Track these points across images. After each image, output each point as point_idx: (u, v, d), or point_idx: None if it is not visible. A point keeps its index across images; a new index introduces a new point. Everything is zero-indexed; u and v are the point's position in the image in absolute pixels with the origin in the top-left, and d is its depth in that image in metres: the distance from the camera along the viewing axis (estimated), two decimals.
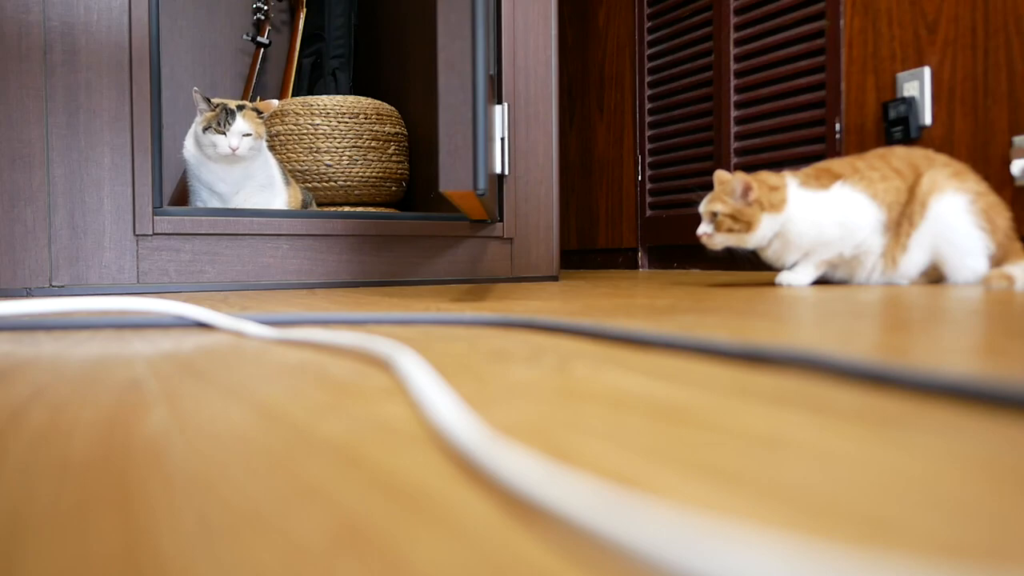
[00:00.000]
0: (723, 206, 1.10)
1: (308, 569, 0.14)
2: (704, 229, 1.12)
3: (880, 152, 1.15)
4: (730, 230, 1.10)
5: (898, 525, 0.15)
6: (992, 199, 1.07)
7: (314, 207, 1.72)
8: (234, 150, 1.44)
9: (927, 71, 1.53)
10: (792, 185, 1.11)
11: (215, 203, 1.50)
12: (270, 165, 1.55)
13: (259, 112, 1.50)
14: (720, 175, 1.15)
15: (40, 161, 1.16)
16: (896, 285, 1.10)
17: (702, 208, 1.13)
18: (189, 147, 1.49)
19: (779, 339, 0.47)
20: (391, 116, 1.94)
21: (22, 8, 1.15)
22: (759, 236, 1.10)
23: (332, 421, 0.26)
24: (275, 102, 1.56)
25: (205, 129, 1.45)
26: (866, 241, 1.10)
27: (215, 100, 1.49)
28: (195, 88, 1.51)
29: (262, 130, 1.50)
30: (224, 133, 1.44)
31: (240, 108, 1.47)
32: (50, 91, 1.17)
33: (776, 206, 1.09)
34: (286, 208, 1.56)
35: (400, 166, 1.95)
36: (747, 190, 1.08)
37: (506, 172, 1.53)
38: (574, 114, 2.59)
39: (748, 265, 1.77)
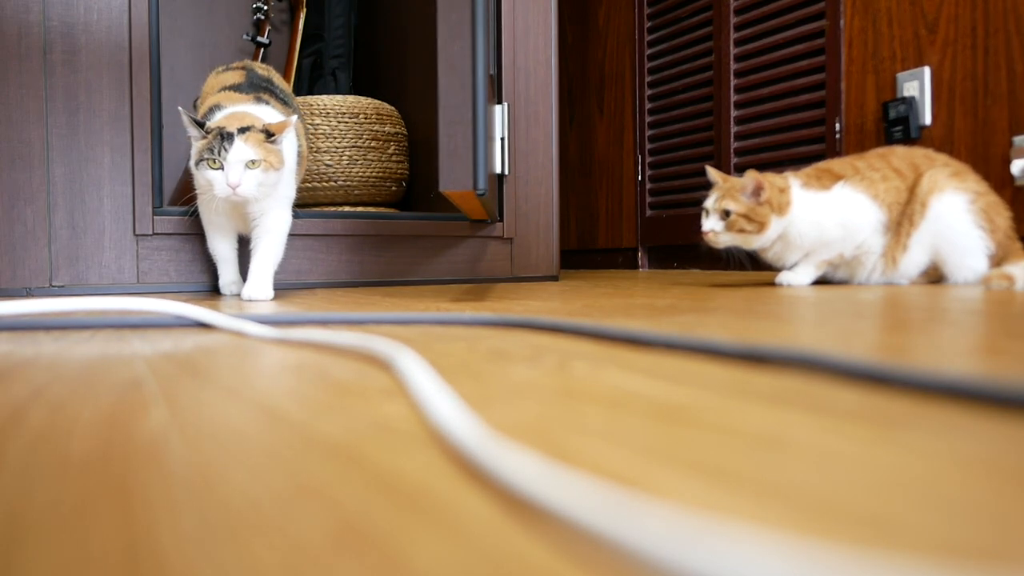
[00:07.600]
0: (736, 205, 1.08)
1: (308, 569, 0.14)
2: (712, 226, 1.10)
3: (880, 152, 1.15)
4: (741, 230, 1.09)
5: (898, 525, 0.15)
6: (992, 199, 1.07)
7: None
8: (235, 188, 0.98)
9: (927, 71, 1.53)
10: (794, 186, 1.11)
11: None
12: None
13: (270, 135, 1.00)
14: (719, 173, 1.14)
15: (40, 161, 1.16)
16: (896, 285, 1.10)
17: (710, 204, 1.11)
18: None
19: (779, 339, 0.47)
20: (391, 116, 1.94)
21: (22, 8, 1.15)
22: (766, 238, 1.10)
23: (332, 421, 0.26)
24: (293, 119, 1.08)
25: (198, 163, 1.00)
26: (867, 241, 1.10)
27: (211, 124, 1.01)
28: (180, 108, 1.05)
29: (275, 158, 1.01)
30: (220, 168, 0.98)
31: (243, 131, 0.98)
32: (50, 91, 1.16)
33: (783, 208, 1.08)
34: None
35: (400, 166, 1.95)
36: (759, 189, 1.07)
37: (506, 172, 1.53)
38: (574, 114, 2.59)
39: (748, 265, 1.77)
